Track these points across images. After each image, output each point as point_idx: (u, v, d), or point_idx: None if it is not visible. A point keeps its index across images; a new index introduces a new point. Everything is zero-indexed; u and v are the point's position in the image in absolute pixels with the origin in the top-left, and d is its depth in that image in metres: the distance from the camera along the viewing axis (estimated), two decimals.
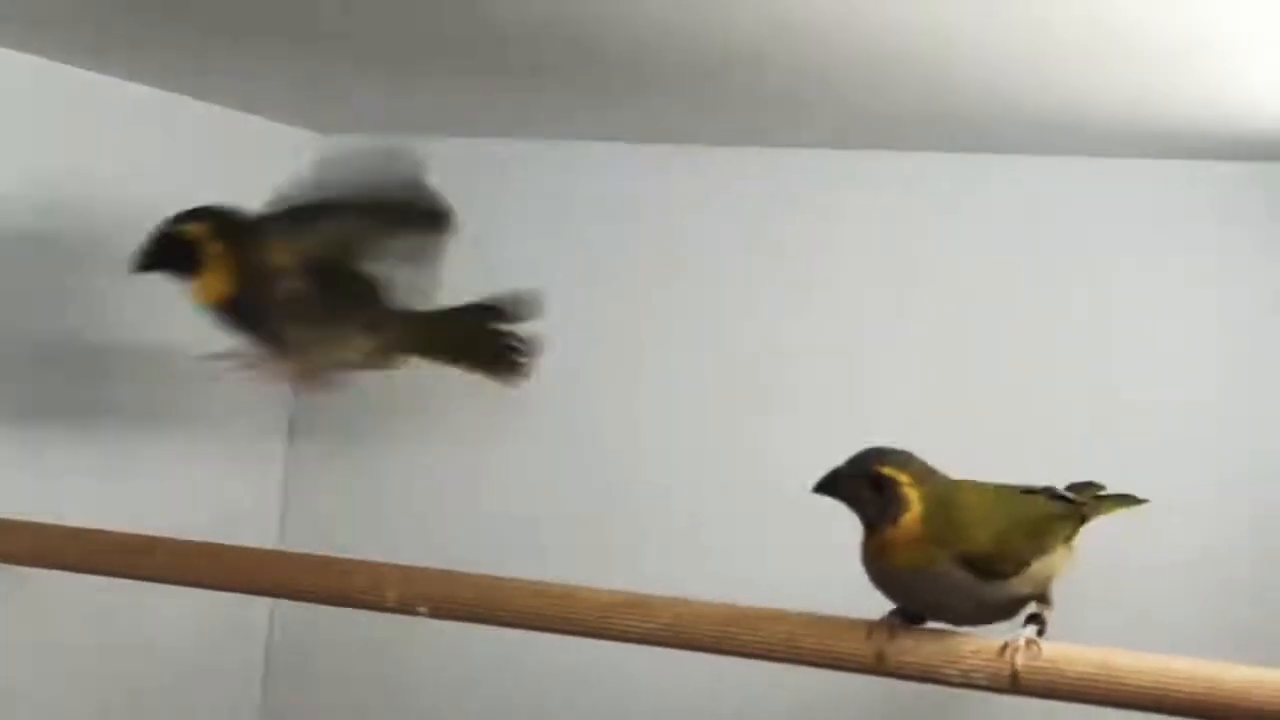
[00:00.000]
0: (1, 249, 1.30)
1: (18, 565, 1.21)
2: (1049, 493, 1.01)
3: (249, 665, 1.61)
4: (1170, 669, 0.90)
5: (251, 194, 1.55)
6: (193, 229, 1.14)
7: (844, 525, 0.97)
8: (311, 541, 1.47)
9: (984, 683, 0.92)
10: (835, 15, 0.94)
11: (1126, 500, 1.06)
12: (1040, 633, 0.94)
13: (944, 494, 0.94)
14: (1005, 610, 0.96)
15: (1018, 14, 0.90)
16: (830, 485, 0.94)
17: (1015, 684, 0.91)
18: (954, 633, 0.95)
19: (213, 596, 1.18)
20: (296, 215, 1.16)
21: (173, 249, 1.13)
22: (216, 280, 1.13)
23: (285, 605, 1.55)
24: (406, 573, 1.08)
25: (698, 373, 1.47)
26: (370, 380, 1.26)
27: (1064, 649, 0.93)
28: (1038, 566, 0.96)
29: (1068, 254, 1.37)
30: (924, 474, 0.94)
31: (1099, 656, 0.92)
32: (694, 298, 1.49)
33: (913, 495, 0.92)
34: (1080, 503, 1.02)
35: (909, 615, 0.95)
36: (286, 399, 1.57)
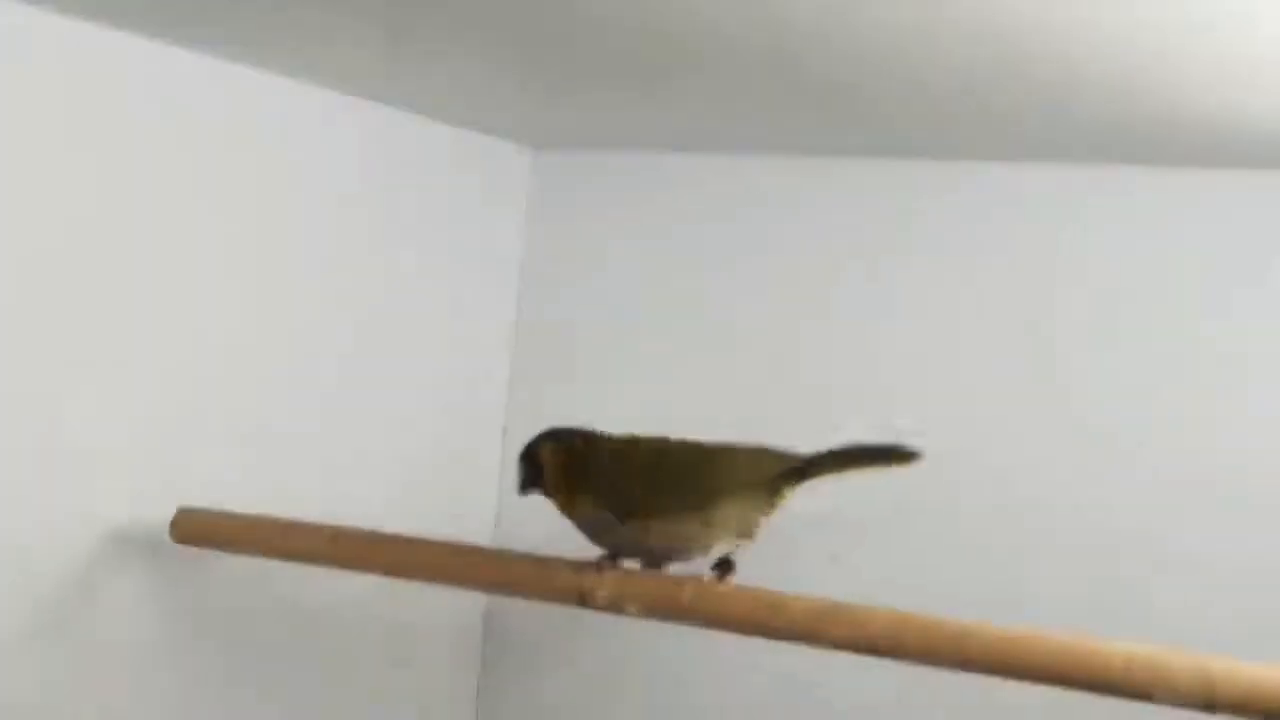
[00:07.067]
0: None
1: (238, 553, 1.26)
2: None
3: (466, 657, 1.63)
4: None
5: (464, 206, 1.59)
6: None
7: None
8: None
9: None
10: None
11: (882, 456, 1.10)
12: (728, 572, 1.07)
13: (583, 452, 1.10)
14: (681, 549, 1.08)
15: None
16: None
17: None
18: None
19: (429, 590, 1.21)
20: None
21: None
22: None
23: (499, 601, 1.57)
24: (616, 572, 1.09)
25: None
26: None
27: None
28: (716, 512, 1.08)
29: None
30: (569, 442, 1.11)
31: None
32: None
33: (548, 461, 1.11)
34: (799, 460, 1.09)
35: (614, 556, 1.11)
36: None
